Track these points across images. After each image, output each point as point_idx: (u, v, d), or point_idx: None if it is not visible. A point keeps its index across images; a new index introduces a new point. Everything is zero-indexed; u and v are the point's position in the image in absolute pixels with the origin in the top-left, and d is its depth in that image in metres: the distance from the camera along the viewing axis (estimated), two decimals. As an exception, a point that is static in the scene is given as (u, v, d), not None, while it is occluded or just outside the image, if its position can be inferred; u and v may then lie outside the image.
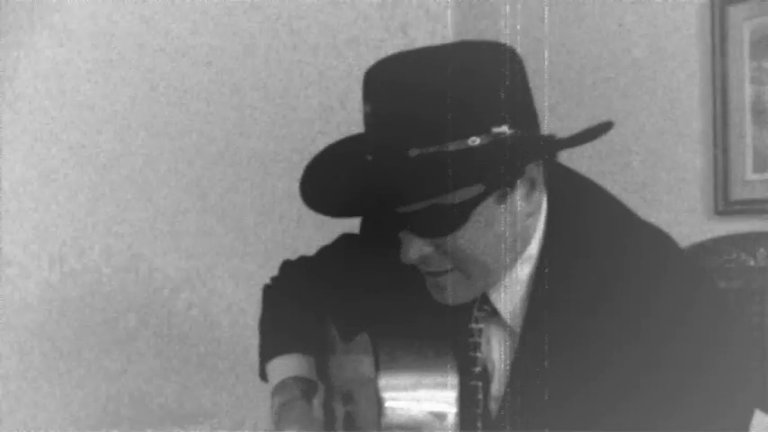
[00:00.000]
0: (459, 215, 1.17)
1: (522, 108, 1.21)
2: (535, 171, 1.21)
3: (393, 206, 1.19)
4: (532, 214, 1.23)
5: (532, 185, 1.21)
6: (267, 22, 2.34)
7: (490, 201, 1.18)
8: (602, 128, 1.21)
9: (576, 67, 2.38)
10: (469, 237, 1.19)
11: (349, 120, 2.37)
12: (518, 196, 1.21)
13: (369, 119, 1.20)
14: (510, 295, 1.27)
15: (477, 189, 1.17)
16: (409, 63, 1.19)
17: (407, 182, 1.15)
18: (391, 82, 1.18)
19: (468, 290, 1.24)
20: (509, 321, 1.27)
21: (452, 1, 2.63)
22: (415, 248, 1.21)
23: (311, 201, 1.22)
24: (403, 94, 1.16)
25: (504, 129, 1.16)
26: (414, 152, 1.15)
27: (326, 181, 1.24)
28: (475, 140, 1.15)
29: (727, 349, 1.18)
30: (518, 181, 1.20)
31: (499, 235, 1.20)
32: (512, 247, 1.23)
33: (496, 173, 1.17)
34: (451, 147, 1.14)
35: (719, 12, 2.13)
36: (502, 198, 1.19)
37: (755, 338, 1.42)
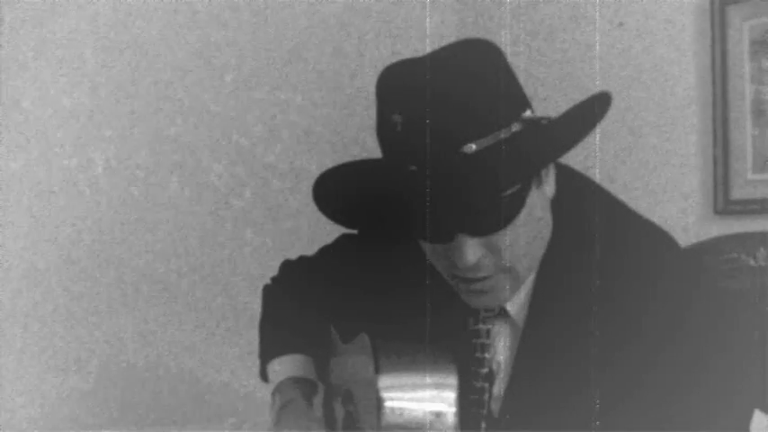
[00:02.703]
0: (515, 205, 1.16)
1: (526, 98, 1.22)
2: None
3: (455, 210, 1.15)
4: (551, 199, 1.24)
5: (548, 169, 1.22)
6: (269, 22, 2.34)
7: (533, 187, 1.19)
8: (601, 102, 1.20)
9: (575, 66, 2.38)
10: (519, 226, 1.18)
11: (355, 122, 2.37)
12: (543, 180, 1.21)
13: (401, 129, 1.16)
14: (517, 294, 1.26)
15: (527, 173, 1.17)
16: (428, 66, 1.17)
17: (470, 180, 1.13)
18: (419, 86, 1.15)
19: (506, 289, 1.23)
20: (516, 319, 1.27)
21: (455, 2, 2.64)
22: (473, 250, 1.17)
23: (350, 221, 1.22)
24: (440, 94, 1.14)
25: (529, 113, 1.18)
26: (469, 148, 1.13)
27: (366, 200, 1.22)
28: (516, 126, 1.15)
29: (727, 349, 1.19)
30: None
31: (539, 220, 1.21)
32: (544, 235, 1.23)
33: (537, 157, 1.18)
34: (502, 134, 1.14)
35: (719, 12, 2.13)
36: (538, 183, 1.20)
37: (755, 338, 1.42)
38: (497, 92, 1.15)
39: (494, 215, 1.16)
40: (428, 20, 2.55)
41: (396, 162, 1.17)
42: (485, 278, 1.21)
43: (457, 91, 1.15)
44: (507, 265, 1.20)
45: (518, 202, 1.16)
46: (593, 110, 1.20)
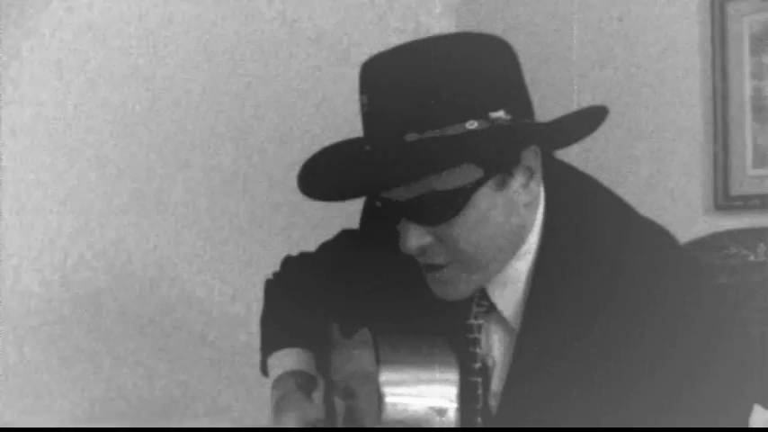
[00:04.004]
0: (457, 201, 1.17)
1: (518, 97, 1.22)
2: (533, 160, 1.21)
3: (388, 186, 1.19)
4: (530, 205, 1.23)
5: (530, 175, 1.22)
6: (268, 19, 2.34)
7: (488, 187, 1.19)
8: (597, 115, 1.21)
9: (576, 62, 2.38)
10: (468, 224, 1.19)
11: (351, 117, 2.37)
12: (516, 185, 1.21)
13: (365, 110, 1.21)
14: (508, 291, 1.27)
15: (475, 174, 1.18)
16: (405, 53, 1.19)
17: (403, 162, 1.16)
18: (387, 72, 1.18)
19: (467, 283, 1.24)
20: (507, 317, 1.28)
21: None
22: (414, 237, 1.20)
23: (307, 187, 1.24)
24: (399, 82, 1.17)
25: (501, 114, 1.17)
26: (411, 137, 1.15)
27: (324, 170, 1.25)
28: (472, 124, 1.15)
29: (727, 345, 1.18)
30: (516, 170, 1.20)
31: (498, 224, 1.21)
32: (510, 237, 1.23)
33: (494, 156, 1.18)
34: (450, 131, 1.15)
35: (719, 7, 2.13)
36: (500, 186, 1.19)
37: (755, 334, 1.42)
38: (457, 87, 1.16)
39: (431, 207, 1.18)
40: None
41: (360, 141, 1.22)
42: (441, 267, 1.22)
43: (417, 81, 1.16)
44: (458, 257, 1.21)
45: (459, 200, 1.17)
46: (575, 122, 1.22)
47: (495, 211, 1.20)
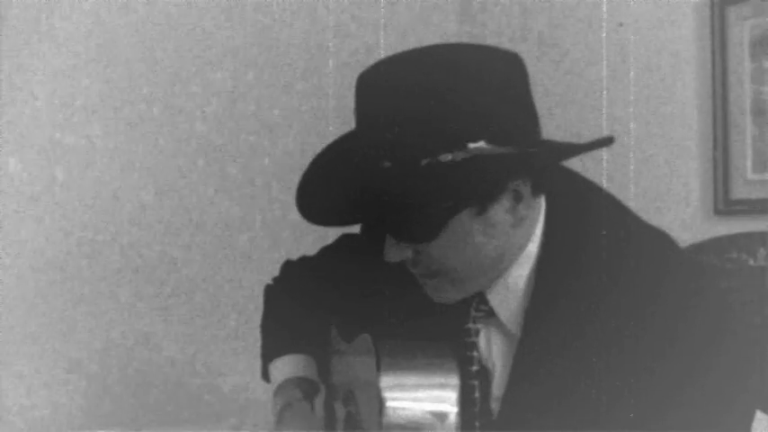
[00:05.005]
0: (433, 225, 1.17)
1: (508, 122, 1.19)
2: (521, 185, 1.19)
3: (364, 218, 1.22)
4: (521, 223, 1.22)
5: (517, 198, 1.20)
6: (267, 22, 2.34)
7: (466, 214, 1.18)
8: (602, 141, 1.21)
9: (575, 67, 2.38)
10: (445, 247, 1.19)
11: (347, 122, 2.37)
12: (502, 209, 1.19)
13: (355, 121, 1.22)
14: (507, 296, 1.26)
15: (449, 202, 1.18)
16: (393, 70, 1.19)
17: (374, 194, 1.17)
18: (373, 92, 1.18)
19: (456, 292, 1.25)
20: (506, 322, 1.27)
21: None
22: (394, 251, 1.22)
23: (304, 211, 1.26)
24: (381, 105, 1.17)
25: (482, 144, 1.15)
26: (386, 164, 1.15)
27: (314, 195, 1.26)
28: (446, 156, 1.14)
29: (728, 350, 1.19)
30: (502, 194, 1.19)
31: (477, 247, 1.20)
32: (491, 259, 1.23)
33: (469, 189, 1.17)
34: (423, 162, 1.14)
35: (719, 12, 2.13)
36: (481, 211, 1.18)
37: (756, 339, 1.42)
38: (435, 117, 1.14)
39: (408, 227, 1.18)
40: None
41: (350, 151, 1.22)
42: (427, 275, 1.24)
43: (397, 107, 1.15)
44: (437, 268, 1.22)
45: (435, 224, 1.17)
46: (572, 150, 1.22)
47: (474, 235, 1.19)
